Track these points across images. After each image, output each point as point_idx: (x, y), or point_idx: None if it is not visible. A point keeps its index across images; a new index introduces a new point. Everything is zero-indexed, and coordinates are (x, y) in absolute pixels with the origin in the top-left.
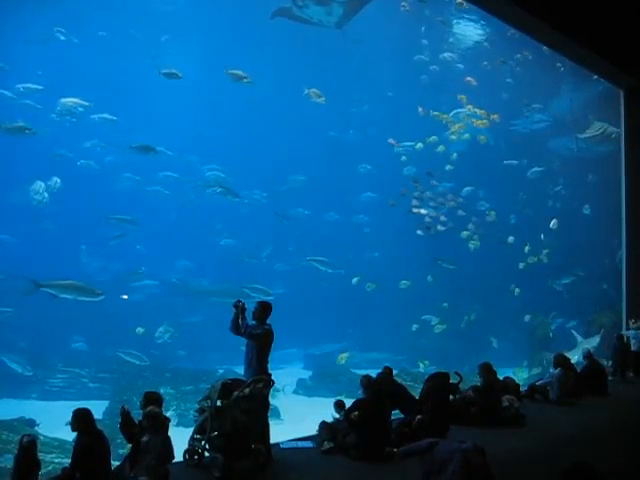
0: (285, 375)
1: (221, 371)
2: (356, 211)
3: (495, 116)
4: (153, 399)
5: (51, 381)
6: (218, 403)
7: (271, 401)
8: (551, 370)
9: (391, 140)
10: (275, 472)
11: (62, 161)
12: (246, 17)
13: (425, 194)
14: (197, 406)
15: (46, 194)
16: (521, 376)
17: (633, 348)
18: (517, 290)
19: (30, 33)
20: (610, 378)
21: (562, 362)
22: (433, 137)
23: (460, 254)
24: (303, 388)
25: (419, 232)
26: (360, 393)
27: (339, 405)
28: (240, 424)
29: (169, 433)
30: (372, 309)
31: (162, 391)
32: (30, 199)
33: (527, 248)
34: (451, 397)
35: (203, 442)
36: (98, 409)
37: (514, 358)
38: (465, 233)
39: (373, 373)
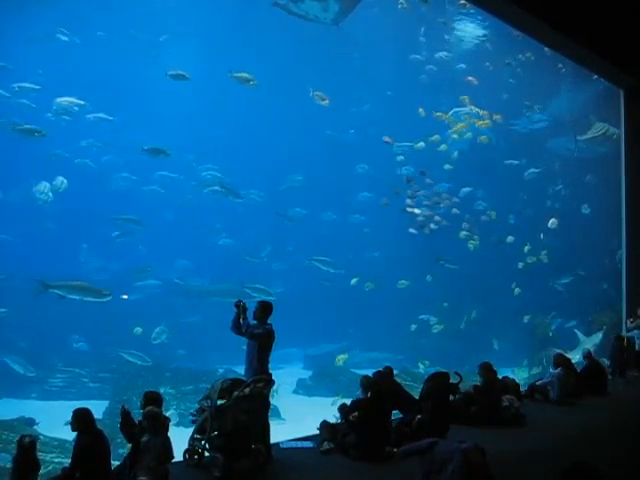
0: (285, 375)
1: (221, 371)
2: (354, 211)
3: (498, 116)
4: (153, 399)
5: (51, 381)
6: (218, 403)
7: (272, 401)
8: (551, 370)
9: (386, 138)
10: (275, 472)
11: (58, 161)
12: (245, 17)
13: (419, 193)
14: (196, 406)
15: (50, 194)
16: (521, 376)
17: (638, 348)
18: (517, 290)
19: (30, 33)
20: (610, 378)
21: (562, 362)
22: (435, 136)
23: (460, 254)
24: (303, 388)
25: (412, 230)
26: (359, 393)
27: (344, 410)
28: (240, 424)
29: (169, 433)
30: (372, 309)
31: (162, 391)
32: (30, 199)
33: (527, 248)
34: (451, 397)
35: (203, 442)
36: (98, 409)
37: (514, 358)
38: (463, 233)
39: (372, 373)
